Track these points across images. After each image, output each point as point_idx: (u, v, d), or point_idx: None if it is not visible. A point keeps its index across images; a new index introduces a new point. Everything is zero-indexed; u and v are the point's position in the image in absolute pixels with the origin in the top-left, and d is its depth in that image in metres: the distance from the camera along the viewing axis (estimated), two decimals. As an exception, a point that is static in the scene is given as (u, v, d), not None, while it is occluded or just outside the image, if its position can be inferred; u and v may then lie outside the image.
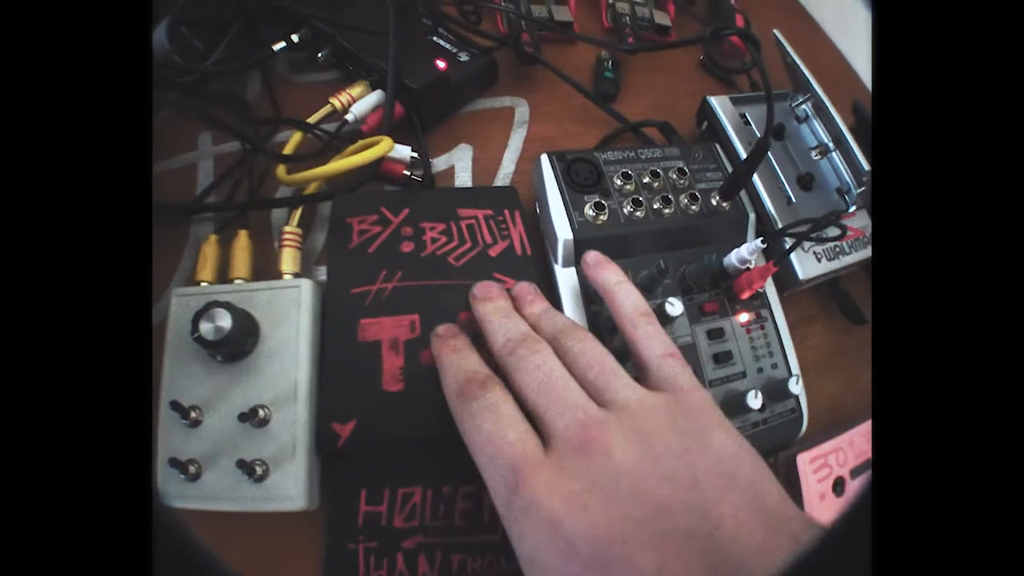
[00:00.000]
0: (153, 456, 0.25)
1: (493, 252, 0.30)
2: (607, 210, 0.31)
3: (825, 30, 0.65)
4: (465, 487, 0.27)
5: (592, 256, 0.29)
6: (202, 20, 0.36)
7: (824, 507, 0.33)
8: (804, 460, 0.33)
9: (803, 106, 0.42)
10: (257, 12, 0.37)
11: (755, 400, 0.29)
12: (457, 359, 0.25)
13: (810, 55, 0.60)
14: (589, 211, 0.31)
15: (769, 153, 0.39)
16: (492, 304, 0.26)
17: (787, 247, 0.34)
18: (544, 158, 0.32)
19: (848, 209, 0.39)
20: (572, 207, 0.31)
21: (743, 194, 0.36)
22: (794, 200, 0.38)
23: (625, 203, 0.32)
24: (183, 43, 0.35)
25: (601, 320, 0.30)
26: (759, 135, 0.40)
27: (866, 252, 0.39)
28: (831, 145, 0.40)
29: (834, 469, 0.34)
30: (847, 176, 0.39)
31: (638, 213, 0.32)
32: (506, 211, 0.32)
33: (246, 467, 0.24)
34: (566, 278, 0.31)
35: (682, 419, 0.22)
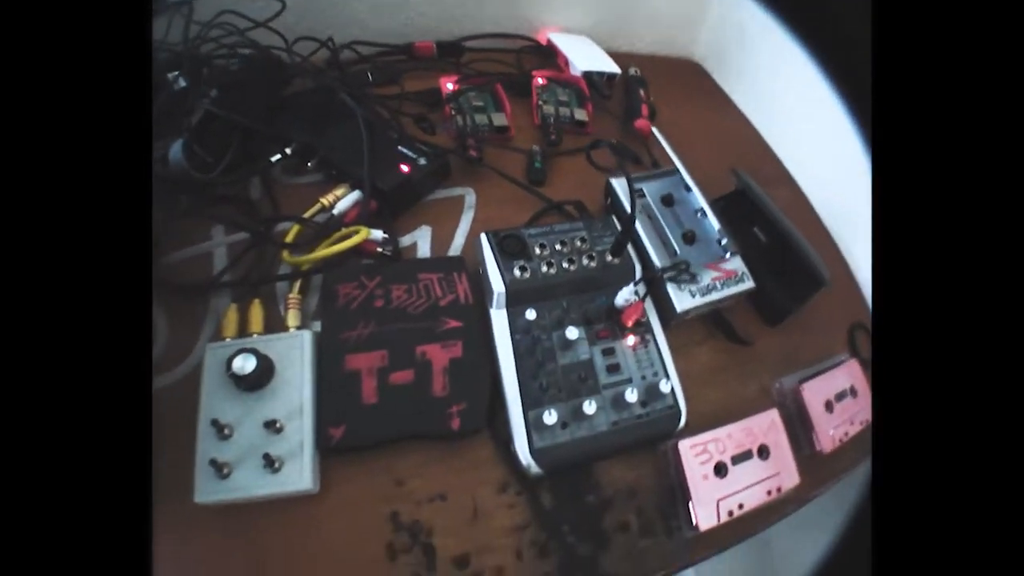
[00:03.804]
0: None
1: (443, 303, 0.45)
2: (529, 269, 0.46)
3: (737, 105, 0.81)
4: None
5: None
6: (210, 140, 0.48)
7: (707, 485, 0.44)
8: (685, 446, 0.44)
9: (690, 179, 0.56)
10: (253, 132, 0.51)
11: (632, 395, 0.43)
12: None
13: (722, 127, 0.76)
14: (516, 271, 0.46)
15: (660, 217, 0.54)
16: None
17: (665, 288, 0.49)
18: (483, 236, 0.47)
19: (725, 255, 0.53)
20: (504, 269, 0.45)
21: (633, 251, 0.50)
22: (679, 252, 0.52)
23: (542, 264, 0.47)
24: (196, 159, 0.47)
25: (522, 349, 0.44)
26: (652, 205, 0.55)
27: (738, 287, 0.52)
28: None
29: (713, 455, 0.45)
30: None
31: (551, 270, 0.47)
32: (454, 273, 0.46)
33: (268, 460, 0.37)
34: (499, 317, 0.45)
35: None
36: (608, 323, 0.47)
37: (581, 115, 0.64)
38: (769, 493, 0.46)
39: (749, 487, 0.45)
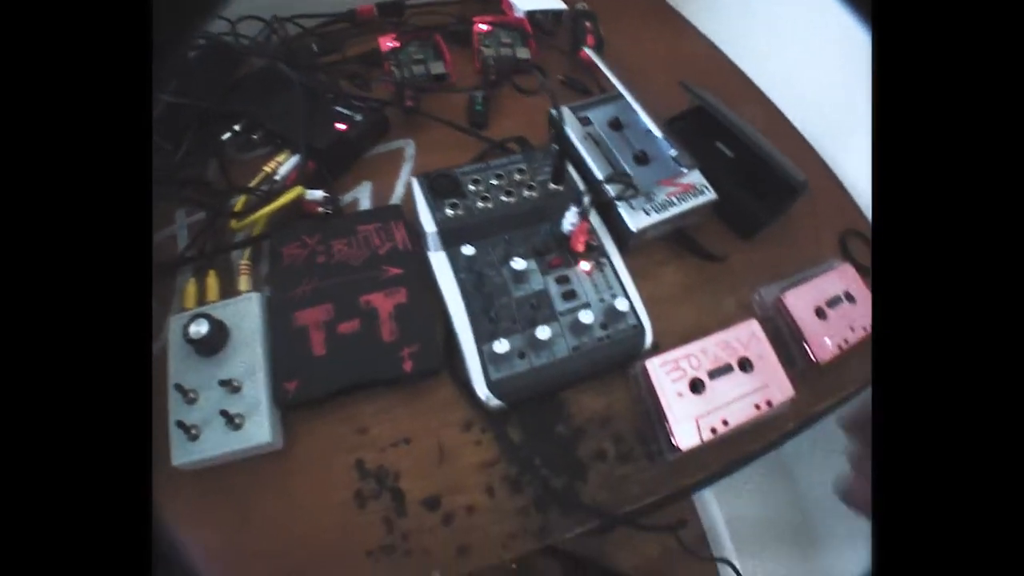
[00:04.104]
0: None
1: (381, 251, 0.45)
2: (462, 207, 0.46)
3: (700, 29, 0.79)
4: None
5: None
6: (169, 130, 0.51)
7: (683, 403, 0.43)
8: (653, 365, 0.43)
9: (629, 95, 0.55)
10: (209, 115, 0.53)
11: (587, 317, 0.43)
12: None
13: (682, 52, 0.74)
14: (448, 210, 0.46)
15: (608, 141, 0.53)
16: None
17: (617, 209, 0.48)
18: (413, 179, 0.48)
19: (680, 169, 0.52)
20: (435, 209, 0.46)
21: (580, 177, 0.50)
22: (631, 174, 0.51)
23: (477, 200, 0.46)
24: (158, 149, 0.50)
25: (468, 286, 0.44)
26: (600, 131, 0.54)
27: (698, 200, 0.51)
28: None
29: (687, 372, 0.44)
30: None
31: (488, 205, 0.46)
32: (392, 222, 0.47)
33: (228, 416, 0.38)
34: (438, 259, 0.45)
35: None
36: (559, 251, 0.47)
37: (524, 53, 0.63)
38: (758, 407, 0.44)
39: (732, 402, 0.44)
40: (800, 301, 0.52)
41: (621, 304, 0.44)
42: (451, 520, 0.40)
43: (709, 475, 0.46)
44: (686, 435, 0.42)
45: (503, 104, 0.61)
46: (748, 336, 0.48)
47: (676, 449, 0.42)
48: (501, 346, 0.41)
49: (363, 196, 0.52)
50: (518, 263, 0.44)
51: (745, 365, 0.46)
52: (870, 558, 0.17)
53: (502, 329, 0.43)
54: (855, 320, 0.52)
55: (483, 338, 0.42)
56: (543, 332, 0.42)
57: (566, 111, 0.54)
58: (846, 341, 0.51)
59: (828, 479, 0.84)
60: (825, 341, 0.51)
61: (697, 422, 0.42)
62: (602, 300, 0.45)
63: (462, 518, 0.40)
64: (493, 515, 0.40)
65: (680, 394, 0.43)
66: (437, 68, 0.59)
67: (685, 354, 0.45)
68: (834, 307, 0.53)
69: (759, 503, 1.07)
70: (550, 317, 0.44)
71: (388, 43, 0.60)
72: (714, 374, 0.45)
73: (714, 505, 1.24)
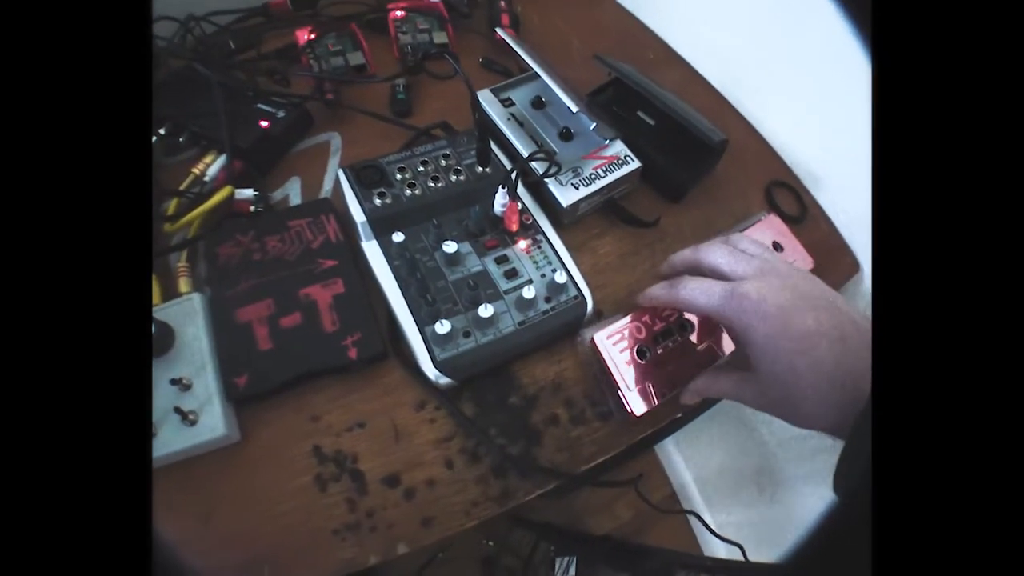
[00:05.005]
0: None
1: (314, 245, 0.47)
2: (390, 196, 0.48)
3: (618, 1, 0.82)
4: None
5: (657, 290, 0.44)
6: None
7: (632, 371, 0.45)
8: (600, 338, 0.45)
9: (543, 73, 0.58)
10: None
11: (529, 293, 0.46)
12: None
13: (599, 23, 0.78)
14: (376, 200, 0.48)
15: (532, 120, 0.56)
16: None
17: (547, 187, 0.51)
18: (340, 172, 0.50)
19: (604, 142, 0.55)
20: (363, 200, 0.48)
21: (506, 157, 0.53)
22: (557, 151, 0.54)
23: (404, 188, 0.49)
24: None
25: (403, 272, 0.47)
26: (523, 110, 0.57)
27: (623, 170, 0.55)
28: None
29: (632, 340, 0.46)
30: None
31: (416, 192, 0.49)
32: (322, 215, 0.49)
33: (182, 413, 0.40)
34: (371, 248, 0.48)
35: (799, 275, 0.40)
36: (495, 233, 0.50)
37: (441, 38, 0.65)
38: (701, 365, 0.47)
39: (678, 362, 0.46)
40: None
41: (560, 277, 0.47)
42: (413, 495, 0.43)
43: (659, 429, 0.49)
44: (639, 401, 0.44)
45: (426, 90, 0.63)
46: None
47: (632, 416, 0.44)
48: (442, 327, 0.44)
49: (293, 191, 0.54)
50: (449, 246, 0.47)
51: (685, 327, 0.48)
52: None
53: (443, 311, 0.45)
54: (788, 267, 0.56)
55: (424, 321, 0.45)
56: (485, 311, 0.44)
57: (487, 94, 0.57)
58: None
59: (784, 423, 0.90)
60: (759, 290, 0.54)
61: (648, 387, 0.45)
62: (543, 275, 0.49)
63: (423, 492, 0.43)
64: (453, 486, 0.43)
65: (628, 363, 0.45)
66: (356, 59, 0.61)
67: (628, 323, 0.47)
68: (767, 256, 0.56)
69: (722, 456, 1.13)
70: (494, 296, 0.47)
71: (305, 36, 0.62)
72: (658, 338, 0.47)
73: (681, 464, 1.30)
